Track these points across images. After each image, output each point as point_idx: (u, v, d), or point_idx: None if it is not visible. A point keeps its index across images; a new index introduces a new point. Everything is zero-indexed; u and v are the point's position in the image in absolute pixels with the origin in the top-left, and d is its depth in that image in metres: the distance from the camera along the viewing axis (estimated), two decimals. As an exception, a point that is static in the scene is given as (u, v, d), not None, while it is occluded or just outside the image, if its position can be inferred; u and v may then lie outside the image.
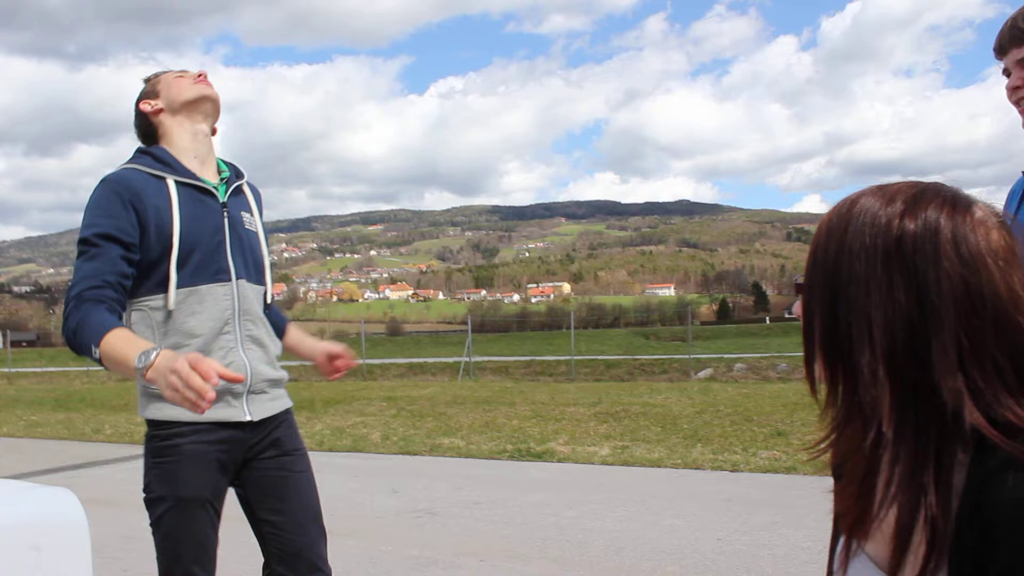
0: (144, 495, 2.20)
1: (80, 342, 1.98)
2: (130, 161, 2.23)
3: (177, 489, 2.13)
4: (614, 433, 9.93)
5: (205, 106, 2.30)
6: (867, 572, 0.96)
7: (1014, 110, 1.85)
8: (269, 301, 2.37)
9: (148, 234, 2.11)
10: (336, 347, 2.60)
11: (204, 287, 2.17)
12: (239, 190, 2.36)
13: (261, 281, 2.34)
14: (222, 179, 2.33)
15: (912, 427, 0.87)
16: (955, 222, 0.87)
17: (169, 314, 2.13)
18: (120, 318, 2.05)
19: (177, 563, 2.15)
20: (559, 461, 8.34)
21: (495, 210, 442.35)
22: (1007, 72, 1.85)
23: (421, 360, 27.34)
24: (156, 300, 2.14)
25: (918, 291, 0.86)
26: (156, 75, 2.36)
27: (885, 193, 0.93)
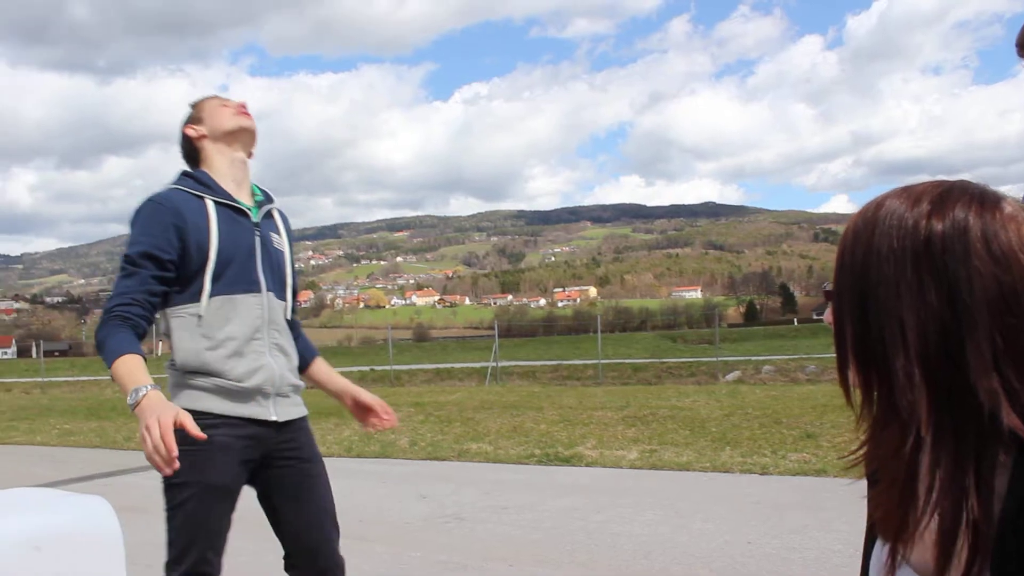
0: (166, 481, 2.29)
1: (102, 356, 2.23)
2: (174, 182, 2.46)
3: (204, 476, 2.28)
4: (642, 437, 9.90)
5: (244, 136, 2.54)
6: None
7: None
8: (289, 316, 2.57)
9: (189, 248, 2.33)
10: (369, 398, 2.74)
11: (239, 296, 2.39)
12: (269, 213, 2.59)
13: (283, 297, 2.55)
14: (256, 202, 2.56)
15: (951, 430, 0.86)
16: (984, 220, 0.86)
17: (201, 319, 2.35)
18: (141, 334, 2.27)
19: (193, 546, 2.30)
20: (587, 465, 8.33)
21: (520, 215, 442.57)
22: None
23: (448, 366, 27.41)
24: (193, 307, 2.36)
25: (949, 291, 0.85)
26: (201, 101, 2.59)
27: (911, 194, 0.92)
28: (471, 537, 5.53)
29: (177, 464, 1.95)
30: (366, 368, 26.26)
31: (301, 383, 2.59)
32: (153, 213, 2.35)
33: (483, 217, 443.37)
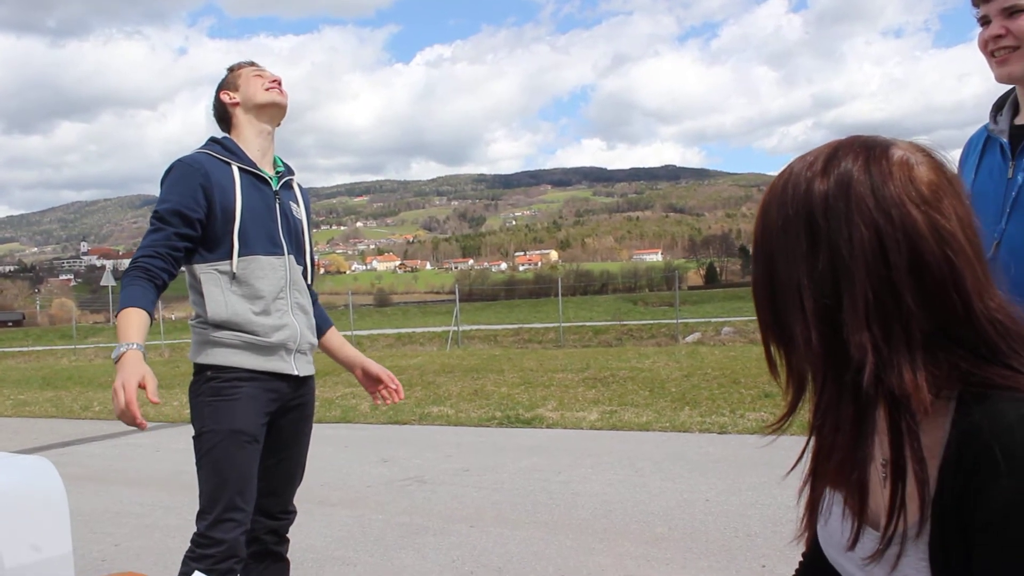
0: (196, 429, 2.46)
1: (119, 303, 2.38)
2: (203, 147, 2.59)
3: (233, 423, 2.41)
4: (602, 398, 9.97)
5: (273, 111, 2.68)
6: (836, 522, 0.98)
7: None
8: (309, 280, 2.75)
9: (215, 209, 2.47)
10: (378, 369, 2.91)
11: (263, 257, 2.54)
12: (289, 184, 2.74)
13: (303, 262, 2.71)
14: (277, 172, 2.69)
15: (843, 389, 0.88)
16: (870, 171, 0.86)
17: (234, 276, 2.49)
18: (160, 284, 2.39)
19: (222, 491, 2.38)
20: (548, 427, 8.38)
21: (481, 179, 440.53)
22: (985, 20, 1.80)
23: (409, 330, 27.37)
24: (223, 265, 2.49)
25: (833, 252, 0.86)
26: (238, 67, 2.72)
27: (805, 158, 0.93)
28: (433, 499, 5.54)
29: (145, 425, 2.11)
30: (327, 334, 26.14)
31: (315, 341, 2.74)
32: (183, 173, 2.47)
33: (443, 181, 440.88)
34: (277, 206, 2.62)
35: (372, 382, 2.92)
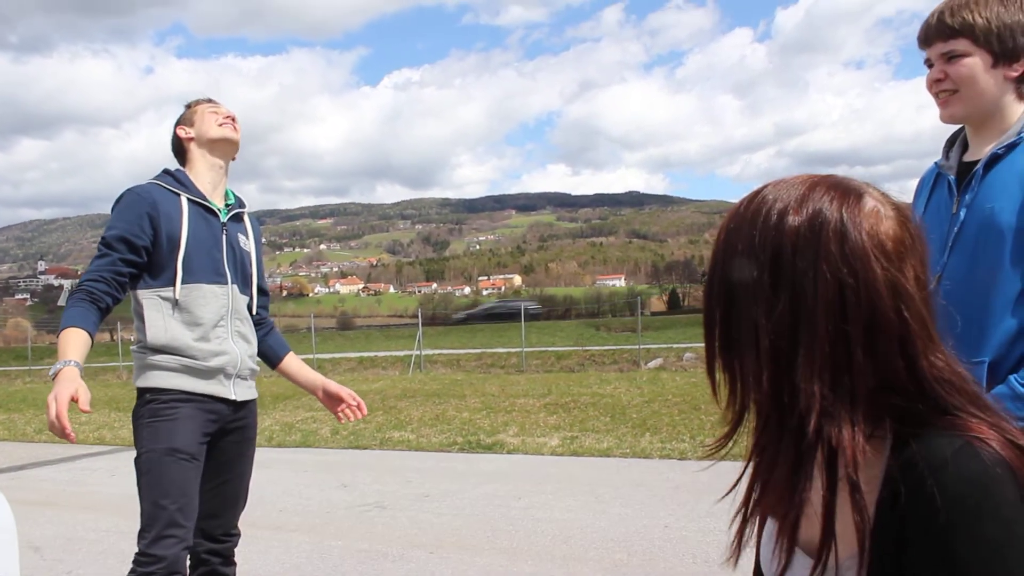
0: (137, 451, 2.55)
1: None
2: (155, 178, 2.72)
3: (171, 441, 2.50)
4: (564, 424, 9.99)
5: (226, 146, 2.81)
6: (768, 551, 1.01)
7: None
8: (253, 310, 2.86)
9: (160, 237, 2.59)
10: (338, 388, 2.99)
11: (206, 286, 2.65)
12: (240, 217, 2.87)
13: (248, 292, 2.84)
14: (227, 205, 2.83)
15: (784, 430, 0.89)
16: (842, 216, 0.86)
17: (176, 303, 2.60)
18: (103, 308, 2.50)
19: (161, 510, 2.46)
20: (509, 452, 8.38)
21: (446, 203, 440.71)
22: (929, 63, 1.88)
23: (372, 354, 27.18)
24: (167, 291, 2.60)
25: (795, 294, 0.86)
26: (195, 103, 2.86)
27: (779, 189, 0.92)
28: (392, 525, 5.52)
29: (73, 437, 2.20)
30: (288, 357, 25.89)
31: (257, 368, 2.85)
32: (131, 202, 2.60)
33: (408, 205, 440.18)
34: (224, 237, 2.74)
35: (333, 402, 2.99)
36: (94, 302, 2.47)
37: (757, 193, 0.94)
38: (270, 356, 3.02)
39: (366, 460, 8.44)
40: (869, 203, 0.88)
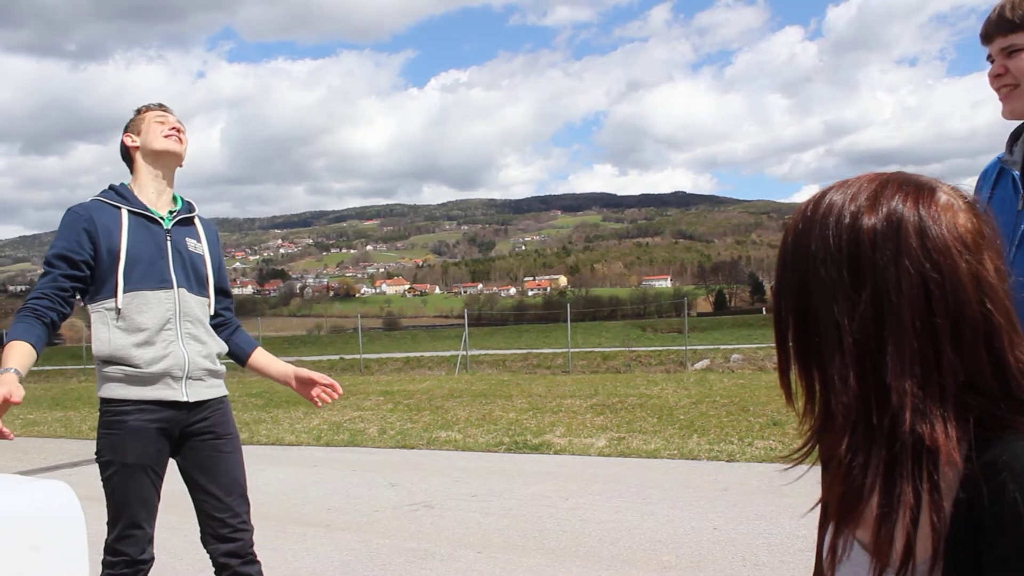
0: (96, 457, 2.72)
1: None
2: (99, 194, 2.81)
3: (123, 456, 2.64)
4: (610, 425, 9.95)
5: (169, 158, 2.86)
6: (860, 560, 0.97)
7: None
8: (212, 311, 2.92)
9: (100, 250, 2.68)
10: (308, 373, 3.01)
11: (149, 292, 2.72)
12: (189, 221, 2.92)
13: (204, 293, 2.89)
14: (172, 212, 2.87)
15: (876, 430, 0.87)
16: (919, 212, 0.85)
17: (119, 312, 2.68)
18: (48, 323, 2.60)
19: (120, 515, 2.66)
20: (556, 453, 8.37)
21: (491, 204, 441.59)
22: (991, 59, 1.85)
23: (418, 354, 27.34)
24: (109, 302, 2.69)
25: (879, 292, 0.85)
26: (143, 111, 2.90)
27: (847, 189, 0.91)
28: (440, 524, 5.54)
29: (10, 435, 2.27)
30: (335, 357, 26.16)
31: (218, 367, 2.89)
32: (70, 221, 2.71)
33: (454, 206, 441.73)
34: (168, 243, 2.80)
35: (307, 387, 3.03)
36: (38, 317, 2.57)
37: (824, 194, 0.92)
38: (239, 354, 3.07)
39: (413, 460, 8.48)
40: (943, 197, 0.87)
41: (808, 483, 1.01)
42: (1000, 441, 0.83)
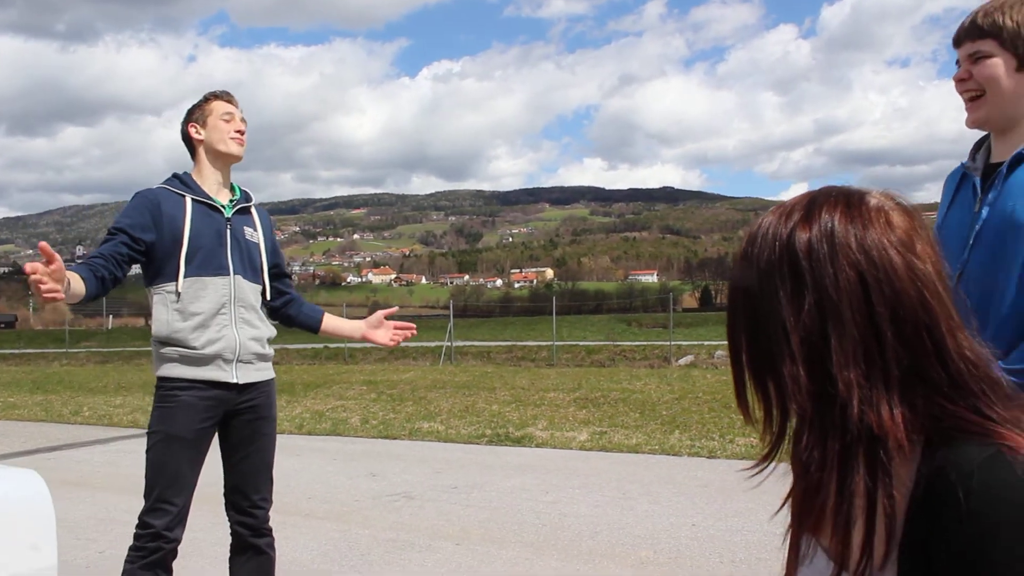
0: (147, 430, 2.86)
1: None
2: (164, 182, 2.98)
3: (169, 426, 2.79)
4: (593, 419, 9.98)
5: (230, 160, 3.02)
6: (822, 567, 0.98)
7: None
8: (267, 297, 3.08)
9: (163, 235, 2.83)
10: (376, 317, 3.27)
11: (207, 278, 2.86)
12: (246, 211, 3.07)
13: (258, 280, 3.04)
14: (232, 201, 3.02)
15: (828, 425, 0.89)
16: (851, 217, 0.90)
17: (179, 296, 2.83)
18: (99, 276, 2.68)
19: (155, 486, 2.77)
20: (537, 446, 8.38)
21: (479, 195, 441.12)
22: (959, 64, 1.89)
23: (402, 344, 27.31)
24: (170, 286, 2.84)
25: (819, 291, 0.89)
26: (213, 97, 3.03)
27: (782, 209, 0.96)
28: (420, 515, 5.54)
29: (51, 289, 2.29)
30: (320, 345, 26.08)
31: (267, 351, 3.03)
32: (137, 202, 2.87)
33: (442, 196, 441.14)
34: (228, 231, 2.96)
35: (379, 331, 3.24)
36: (91, 269, 2.68)
37: (762, 220, 0.97)
38: (310, 324, 3.25)
39: (395, 450, 8.49)
40: (873, 201, 0.92)
41: (786, 481, 1.03)
42: (951, 443, 0.85)
